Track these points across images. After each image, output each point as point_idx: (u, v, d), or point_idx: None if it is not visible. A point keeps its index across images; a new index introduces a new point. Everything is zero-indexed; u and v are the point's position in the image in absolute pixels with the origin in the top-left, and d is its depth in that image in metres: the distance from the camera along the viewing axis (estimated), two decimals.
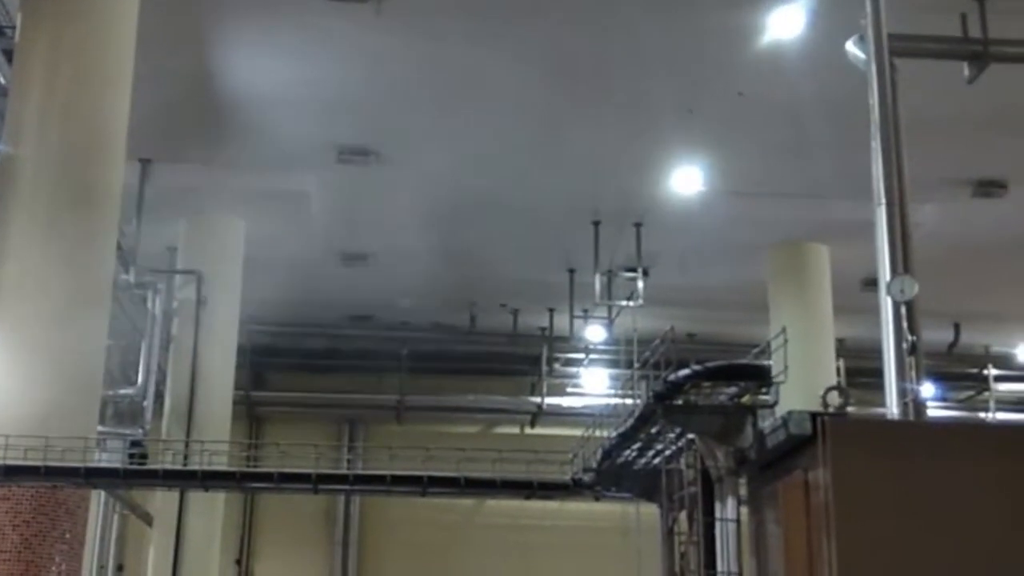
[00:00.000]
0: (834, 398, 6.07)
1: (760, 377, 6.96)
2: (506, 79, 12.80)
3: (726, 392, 7.01)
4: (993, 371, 20.83)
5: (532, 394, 20.69)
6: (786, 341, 7.05)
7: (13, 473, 8.41)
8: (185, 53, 12.28)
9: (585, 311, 17.96)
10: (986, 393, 20.83)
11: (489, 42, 12.12)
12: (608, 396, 17.88)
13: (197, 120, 13.72)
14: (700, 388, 6.95)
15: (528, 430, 21.11)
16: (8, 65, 10.69)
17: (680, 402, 6.96)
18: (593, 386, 20.06)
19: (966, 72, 9.74)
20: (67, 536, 8.97)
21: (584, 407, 18.98)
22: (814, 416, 5.96)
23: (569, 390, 20.48)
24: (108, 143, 10.07)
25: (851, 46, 9.13)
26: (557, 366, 20.24)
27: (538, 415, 20.62)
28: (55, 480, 8.63)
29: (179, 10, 11.54)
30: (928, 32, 9.36)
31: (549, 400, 20.32)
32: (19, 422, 8.66)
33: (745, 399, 6.96)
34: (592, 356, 19.59)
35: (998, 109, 12.71)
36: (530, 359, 20.41)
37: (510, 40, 12.09)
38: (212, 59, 12.42)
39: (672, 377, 6.97)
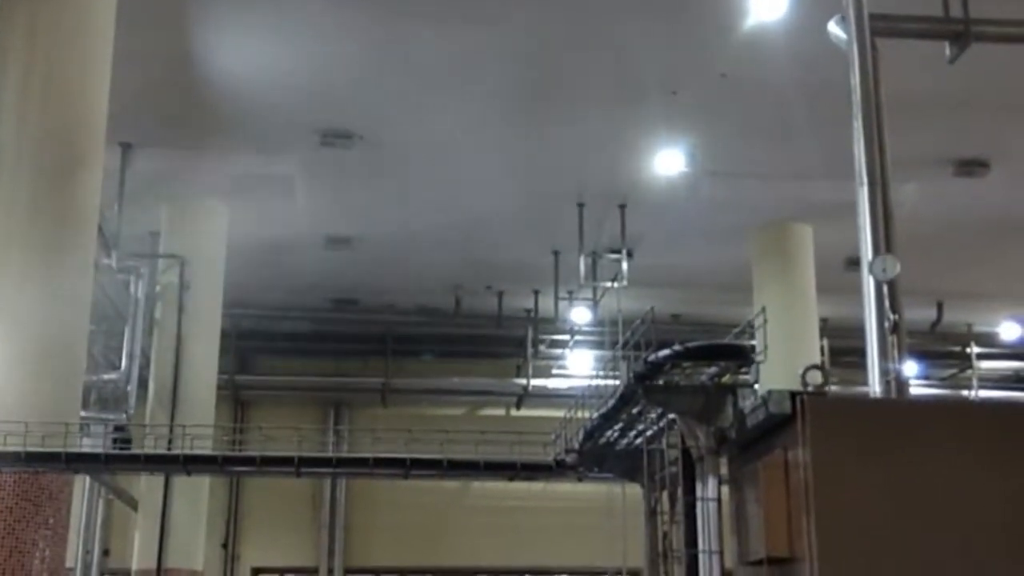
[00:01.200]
0: (814, 377, 6.07)
1: (740, 357, 6.97)
2: (489, 61, 12.76)
3: (707, 372, 7.02)
4: (976, 349, 20.96)
5: (518, 376, 20.73)
6: (765, 321, 7.06)
7: None
8: (166, 36, 12.20)
9: (570, 293, 17.98)
10: (969, 371, 20.98)
11: (471, 24, 12.07)
12: (593, 377, 17.92)
13: (178, 104, 13.64)
14: (681, 368, 6.95)
15: (514, 412, 21.16)
16: None
17: (661, 382, 6.97)
18: (579, 367, 20.07)
19: (948, 52, 9.72)
20: (51, 521, 8.95)
21: (570, 388, 18.98)
22: (793, 395, 5.97)
23: (555, 372, 20.52)
24: (88, 127, 10.00)
25: (833, 26, 9.11)
26: (542, 348, 20.27)
27: (524, 397, 20.67)
28: (36, 466, 8.60)
29: None
30: (909, 12, 9.34)
31: (535, 382, 20.35)
32: (1, 408, 8.62)
33: (725, 379, 6.97)
34: (577, 338, 19.62)
35: (979, 88, 12.73)
36: (515, 341, 20.43)
37: (492, 22, 12.04)
38: (193, 42, 12.34)
39: (652, 358, 6.97)
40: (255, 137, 14.48)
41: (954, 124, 13.91)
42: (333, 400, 21.41)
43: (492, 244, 17.85)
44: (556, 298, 18.09)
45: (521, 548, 20.96)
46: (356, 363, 20.98)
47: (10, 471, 8.63)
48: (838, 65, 8.84)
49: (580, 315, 18.36)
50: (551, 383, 20.36)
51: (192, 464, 9.33)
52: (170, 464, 9.67)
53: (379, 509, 20.91)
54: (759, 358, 6.92)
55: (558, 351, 20.28)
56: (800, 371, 6.16)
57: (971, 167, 14.96)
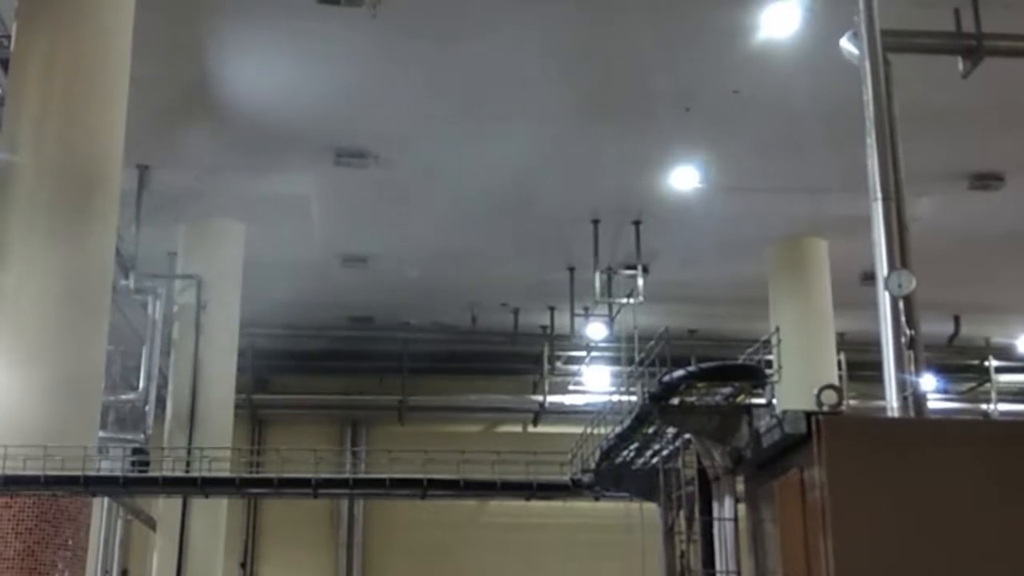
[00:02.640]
0: (829, 396, 6.06)
1: (754, 377, 6.95)
2: (503, 80, 12.80)
3: (721, 392, 7.00)
4: (994, 362, 20.89)
5: (534, 392, 20.72)
6: (779, 340, 7.04)
7: (12, 483, 8.40)
8: (182, 58, 12.28)
9: (586, 309, 17.99)
10: (987, 384, 20.88)
11: (485, 44, 12.12)
12: (608, 394, 17.90)
13: (195, 125, 13.71)
14: (695, 388, 6.94)
15: (531, 428, 21.15)
16: (4, 73, 10.70)
17: (676, 403, 6.96)
18: (595, 384, 20.07)
19: (960, 67, 9.73)
20: (70, 543, 8.97)
21: (586, 405, 18.99)
22: (809, 415, 5.95)
23: (571, 388, 20.49)
24: (106, 149, 10.04)
25: (845, 43, 9.14)
26: (559, 364, 20.26)
27: (541, 413, 20.66)
28: (55, 489, 8.62)
29: (175, 16, 11.54)
30: (922, 27, 9.36)
31: (551, 398, 20.35)
32: (19, 430, 8.66)
33: (740, 399, 6.96)
34: (593, 354, 19.61)
35: (993, 102, 12.71)
36: (531, 358, 20.44)
37: (507, 42, 12.09)
38: (209, 64, 12.42)
39: (667, 378, 6.96)
40: (271, 157, 14.55)
41: (968, 138, 13.88)
42: (350, 418, 21.44)
43: (507, 261, 17.86)
44: (572, 314, 18.09)
45: (538, 567, 20.88)
46: (373, 381, 21.01)
47: (30, 494, 8.65)
48: (851, 80, 8.86)
49: (596, 331, 18.37)
50: (568, 399, 20.34)
51: (210, 486, 9.33)
52: (188, 487, 9.68)
53: (396, 528, 20.91)
54: (774, 378, 6.91)
55: (574, 367, 20.28)
56: (815, 391, 6.15)
57: (986, 180, 14.92)
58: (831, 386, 6.09)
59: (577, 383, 20.43)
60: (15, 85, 10.05)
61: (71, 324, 9.43)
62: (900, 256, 7.73)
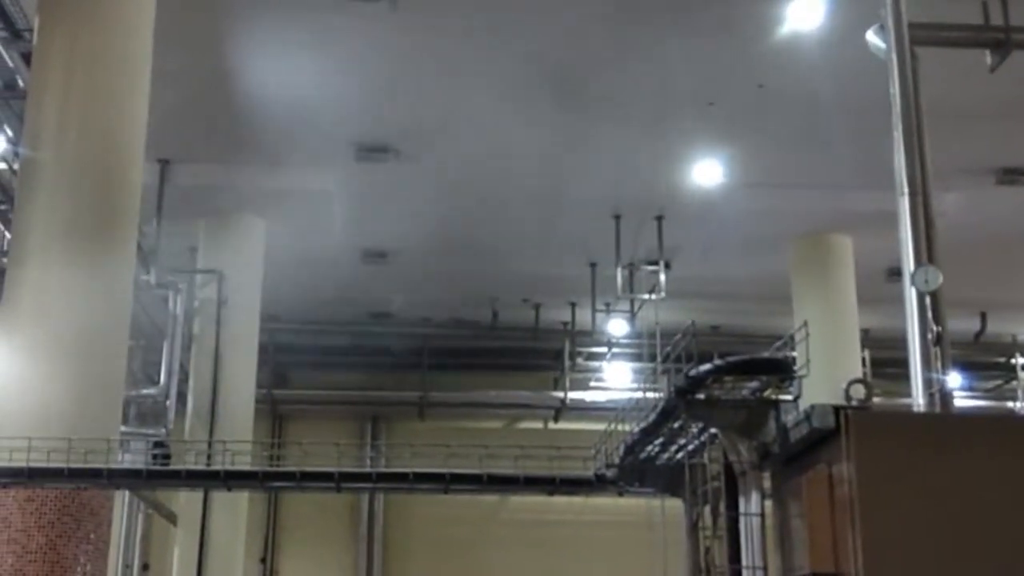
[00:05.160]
0: (858, 391, 6.04)
1: (782, 371, 6.92)
2: (524, 75, 12.79)
3: (748, 387, 6.98)
4: (1021, 360, 20.76)
5: (555, 389, 20.70)
6: (807, 335, 7.01)
7: (37, 475, 8.46)
8: (202, 53, 12.32)
9: (607, 305, 17.95)
10: (1014, 382, 20.76)
11: (506, 38, 12.11)
12: (632, 390, 17.87)
13: (216, 120, 13.77)
14: (722, 383, 6.92)
15: (552, 425, 21.13)
16: (26, 68, 10.75)
17: (702, 397, 6.94)
18: (616, 380, 20.03)
19: (988, 60, 9.65)
20: (92, 536, 9.03)
21: (608, 401, 18.97)
22: (837, 409, 5.93)
23: (592, 384, 20.46)
24: (127, 144, 10.10)
25: (871, 36, 9.06)
26: (580, 360, 20.23)
27: (562, 410, 20.63)
28: (78, 482, 8.68)
29: (196, 11, 11.58)
30: (949, 20, 9.28)
31: (572, 395, 20.31)
32: (43, 424, 8.72)
33: (767, 393, 6.93)
34: (615, 350, 19.58)
35: (1022, 96, 12.61)
36: (552, 354, 20.42)
37: (528, 36, 12.08)
38: (230, 59, 12.46)
39: (693, 372, 6.94)
40: (291, 152, 14.58)
41: (996, 133, 13.79)
42: (370, 414, 21.47)
43: (528, 256, 17.84)
44: (593, 310, 18.04)
45: (560, 563, 20.87)
46: (393, 376, 21.03)
47: (53, 487, 8.71)
48: (876, 74, 8.80)
49: (617, 327, 18.31)
50: (589, 396, 20.31)
51: (233, 480, 9.36)
52: (211, 480, 9.69)
53: (417, 523, 20.93)
54: (801, 372, 6.88)
55: (595, 363, 20.24)
56: (843, 385, 6.12)
57: (1014, 176, 14.83)
58: (860, 380, 6.07)
59: (598, 379, 20.39)
60: (37, 80, 10.11)
61: (93, 319, 9.48)
62: (927, 252, 7.68)
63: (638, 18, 11.71)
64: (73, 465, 8.47)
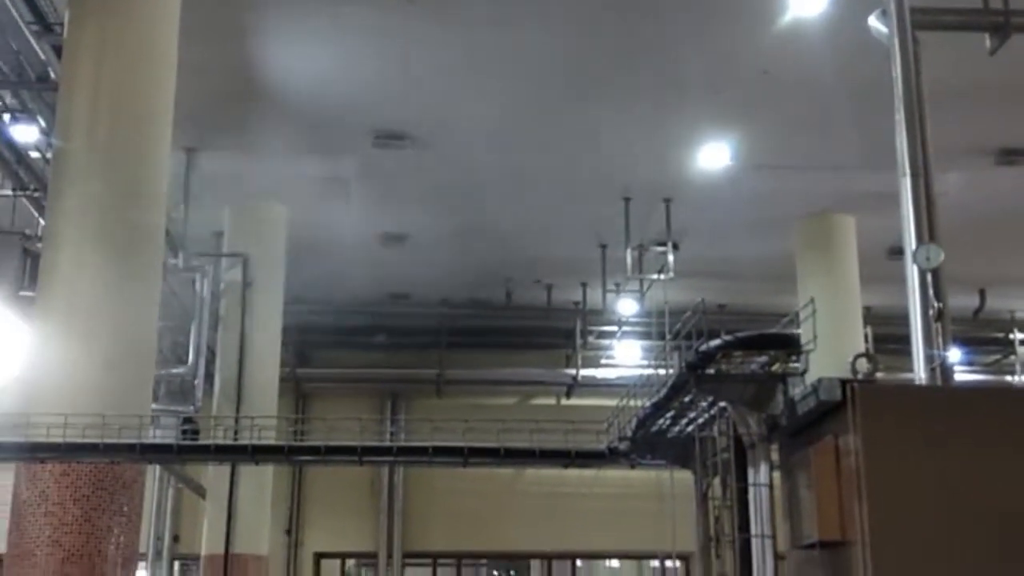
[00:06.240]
0: (863, 365, 6.02)
1: (790, 346, 6.90)
2: (537, 63, 12.76)
3: (757, 361, 6.97)
4: (1019, 335, 20.69)
5: (567, 366, 20.69)
6: (814, 311, 7.00)
7: (73, 451, 8.51)
8: (226, 45, 12.31)
9: (617, 285, 17.92)
10: (1012, 357, 20.70)
11: (519, 27, 12.07)
12: (641, 367, 17.88)
13: (239, 110, 13.77)
14: (731, 358, 6.91)
15: (564, 401, 21.15)
16: (58, 60, 10.76)
17: (712, 371, 6.93)
18: (626, 358, 20.03)
19: (988, 43, 9.58)
20: (125, 508, 9.08)
21: (618, 378, 18.98)
22: (843, 383, 5.92)
23: (603, 362, 20.46)
24: (154, 133, 10.11)
25: (873, 21, 8.99)
26: (591, 339, 20.21)
27: (574, 386, 20.63)
28: (113, 457, 8.72)
29: (220, 4, 11.57)
30: (949, 5, 9.22)
31: (584, 372, 20.31)
32: (77, 401, 8.76)
33: (776, 368, 6.92)
34: (625, 328, 19.56)
35: (1020, 79, 12.53)
36: (564, 332, 20.40)
37: (540, 25, 12.03)
38: (252, 50, 12.45)
39: (704, 347, 6.93)
40: (312, 140, 14.58)
41: (995, 114, 13.69)
42: (390, 391, 21.51)
43: (541, 239, 17.84)
44: (604, 290, 18.03)
45: (573, 533, 20.94)
46: (411, 355, 21.07)
47: (89, 461, 8.76)
48: (878, 58, 8.75)
49: (627, 307, 18.31)
50: (599, 373, 20.31)
51: (260, 454, 9.40)
52: (239, 454, 9.74)
53: (435, 496, 20.99)
54: (809, 347, 6.87)
55: (606, 342, 20.23)
56: (848, 359, 6.11)
57: (1012, 156, 14.73)
58: (865, 354, 6.05)
59: (609, 357, 20.39)
60: (68, 72, 10.12)
61: (125, 301, 9.52)
62: (928, 230, 7.63)
63: (648, 7, 11.66)
64: (107, 440, 8.51)
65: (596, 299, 18.75)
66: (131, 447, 8.67)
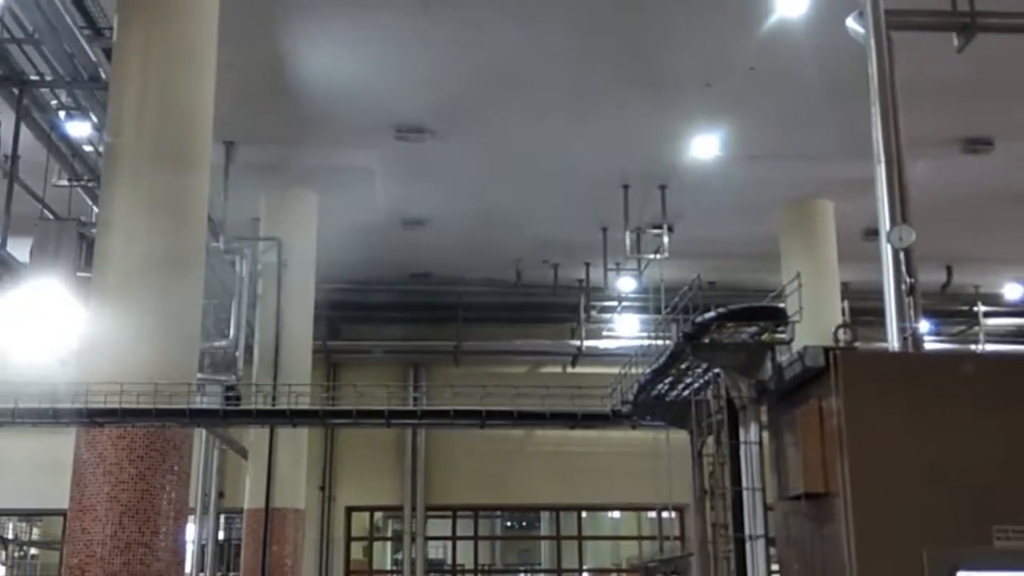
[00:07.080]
0: (844, 334, 6.02)
1: (778, 317, 6.90)
2: (544, 61, 12.72)
3: (747, 331, 6.96)
4: (982, 308, 20.65)
5: (572, 338, 20.69)
6: (800, 286, 6.99)
7: (128, 415, 8.54)
8: (261, 47, 12.30)
9: (617, 264, 17.92)
10: (976, 328, 20.66)
11: (527, 28, 12.04)
12: (640, 338, 17.90)
13: (274, 106, 13.77)
14: (724, 328, 6.90)
15: (570, 369, 21.14)
16: (108, 61, 10.75)
17: (707, 341, 6.93)
18: (626, 330, 20.06)
19: (955, 42, 9.51)
20: (175, 468, 9.12)
21: (618, 348, 19.01)
22: (826, 351, 5.90)
23: (604, 334, 20.46)
24: (197, 128, 10.09)
25: (851, 22, 8.92)
26: (594, 313, 20.23)
27: (578, 356, 20.63)
28: (164, 421, 8.75)
29: (255, 7, 11.55)
30: (921, 7, 9.15)
31: (588, 343, 20.31)
32: (130, 372, 8.78)
33: (764, 337, 6.91)
34: (624, 304, 19.57)
35: (985, 74, 12.46)
36: (570, 307, 20.42)
37: (547, 26, 12.00)
38: (284, 52, 12.44)
39: (700, 319, 6.93)
40: (340, 134, 14.58)
41: (962, 107, 13.64)
42: (412, 361, 21.53)
43: (548, 223, 17.83)
44: (605, 269, 18.02)
45: (579, 488, 21.01)
46: (431, 329, 21.09)
47: (143, 425, 8.80)
48: (856, 56, 8.68)
49: (626, 284, 18.31)
50: (602, 344, 20.31)
51: (297, 417, 9.42)
52: (278, 418, 9.76)
53: (455, 455, 21.06)
54: (795, 318, 6.86)
55: (607, 316, 20.24)
56: (832, 329, 6.10)
57: (977, 145, 14.69)
58: (846, 324, 6.05)
59: (610, 330, 20.39)
60: (117, 72, 10.11)
61: (172, 280, 9.54)
62: (901, 213, 7.58)
63: (646, 9, 11.60)
64: (159, 406, 8.54)
65: (598, 277, 18.75)
66: (181, 412, 8.70)
